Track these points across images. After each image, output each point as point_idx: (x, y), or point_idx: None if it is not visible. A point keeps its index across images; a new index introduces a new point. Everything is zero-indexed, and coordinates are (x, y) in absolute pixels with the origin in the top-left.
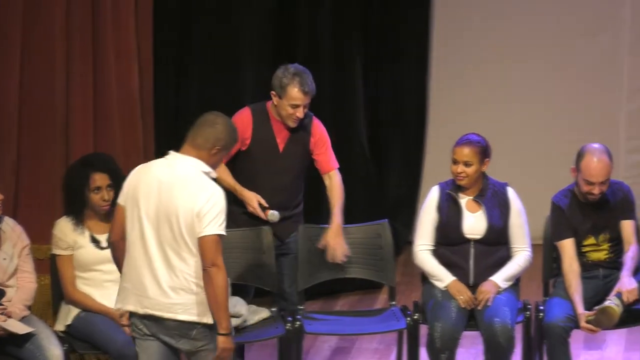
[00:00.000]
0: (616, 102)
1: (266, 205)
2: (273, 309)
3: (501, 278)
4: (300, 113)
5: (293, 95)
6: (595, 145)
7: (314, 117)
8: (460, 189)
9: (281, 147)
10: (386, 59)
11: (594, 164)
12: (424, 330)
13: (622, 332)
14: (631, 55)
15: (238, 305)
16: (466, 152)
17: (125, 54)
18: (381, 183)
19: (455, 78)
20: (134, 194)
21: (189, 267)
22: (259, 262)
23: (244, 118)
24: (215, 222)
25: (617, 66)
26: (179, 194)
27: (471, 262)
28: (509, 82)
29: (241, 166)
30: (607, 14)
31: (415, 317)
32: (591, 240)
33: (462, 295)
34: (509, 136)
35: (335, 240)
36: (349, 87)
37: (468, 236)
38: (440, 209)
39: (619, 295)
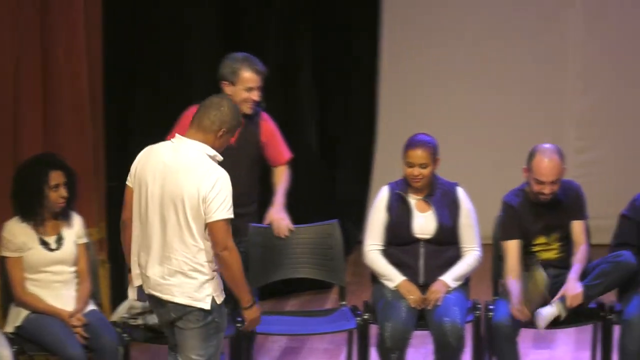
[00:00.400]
0: (565, 102)
1: None
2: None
3: (451, 278)
4: (255, 96)
5: (247, 78)
6: (547, 145)
7: (261, 112)
8: (409, 188)
9: (232, 140)
10: (336, 58)
11: (545, 163)
12: (374, 330)
13: (571, 331)
14: (580, 55)
15: None
16: (421, 154)
17: (75, 55)
18: (331, 183)
19: (405, 78)
20: (140, 175)
21: (190, 251)
22: None
23: (192, 115)
24: (223, 207)
25: (566, 66)
26: (185, 179)
27: (421, 261)
28: (458, 82)
29: None
30: (555, 14)
31: (366, 317)
32: (542, 239)
33: (412, 295)
34: (459, 136)
35: (279, 215)
36: (297, 86)
37: (418, 236)
38: (390, 209)
39: (562, 299)
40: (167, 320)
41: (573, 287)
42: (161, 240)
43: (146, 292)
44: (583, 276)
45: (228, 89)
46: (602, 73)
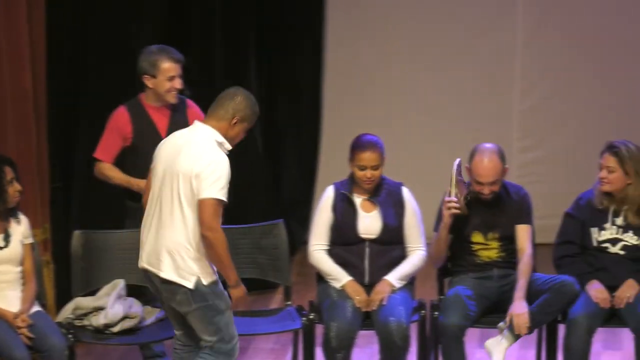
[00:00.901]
0: (508, 102)
1: None
2: None
3: (395, 277)
4: (178, 84)
5: (167, 68)
6: (487, 145)
7: (186, 99)
8: (355, 188)
9: (164, 134)
10: (281, 59)
11: (484, 164)
12: (319, 330)
13: None
14: (523, 55)
15: (134, 306)
16: (373, 156)
17: (17, 52)
18: (277, 182)
19: (349, 77)
20: (157, 158)
21: (177, 228)
22: None
23: (120, 116)
24: (215, 186)
25: (509, 66)
26: (184, 157)
27: (366, 261)
28: (402, 82)
29: (131, 163)
30: (499, 14)
31: (311, 316)
32: (479, 237)
33: (358, 295)
34: (403, 136)
35: None
36: (243, 85)
37: (363, 236)
38: (335, 209)
39: (510, 328)
40: (163, 302)
41: (519, 306)
42: (158, 216)
43: (140, 266)
44: (528, 293)
45: (150, 82)
46: (545, 73)
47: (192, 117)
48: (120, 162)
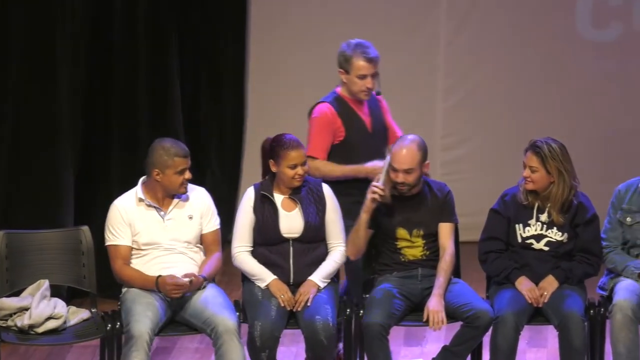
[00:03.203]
0: (432, 101)
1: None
2: (93, 310)
3: (319, 277)
4: (369, 83)
5: (359, 66)
6: (410, 136)
7: (375, 95)
8: (275, 188)
9: (370, 126)
10: (204, 61)
11: (400, 150)
12: (244, 328)
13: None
14: (446, 53)
15: (58, 306)
16: (300, 152)
17: None
18: (200, 182)
19: (271, 78)
20: None
21: None
22: (78, 263)
23: (327, 112)
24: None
25: (432, 64)
26: None
27: (291, 261)
28: (325, 81)
29: (341, 159)
30: (423, 13)
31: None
32: (403, 233)
33: (283, 294)
34: None
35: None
36: (166, 85)
37: (286, 235)
38: (256, 209)
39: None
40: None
41: (435, 303)
42: None
43: None
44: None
45: (343, 76)
46: (468, 72)
47: (385, 113)
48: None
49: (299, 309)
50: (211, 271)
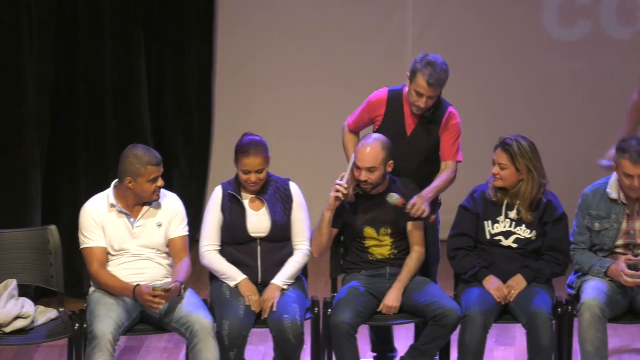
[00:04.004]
0: None
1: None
2: (61, 309)
3: (282, 279)
4: (422, 103)
5: (418, 83)
6: (374, 135)
7: (450, 107)
8: (242, 188)
9: (409, 131)
10: (171, 59)
11: (364, 149)
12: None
13: (410, 326)
14: (414, 50)
15: (26, 305)
16: (256, 160)
17: None
18: (168, 182)
19: (239, 76)
20: None
21: None
22: (46, 263)
23: (379, 95)
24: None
25: (399, 63)
26: None
27: (258, 260)
28: (293, 80)
29: None
30: (390, 11)
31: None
32: (371, 232)
33: (251, 296)
34: (293, 133)
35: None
36: (132, 84)
37: (253, 235)
38: (224, 208)
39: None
40: None
41: (392, 298)
42: None
43: None
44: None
45: (408, 82)
46: None
47: (443, 133)
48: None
49: (265, 316)
50: (185, 277)
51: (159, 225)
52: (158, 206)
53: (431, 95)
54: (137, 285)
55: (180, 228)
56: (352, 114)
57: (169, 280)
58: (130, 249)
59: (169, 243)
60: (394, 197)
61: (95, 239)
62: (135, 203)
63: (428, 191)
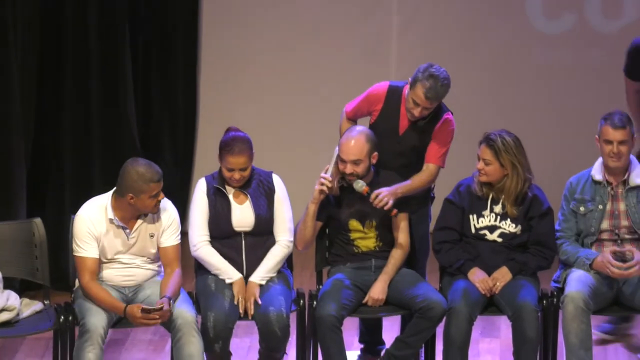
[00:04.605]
0: None
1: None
2: (46, 302)
3: (259, 277)
4: (417, 112)
5: (416, 93)
6: (358, 127)
7: (447, 113)
8: (226, 181)
9: (402, 130)
10: (156, 49)
11: (348, 141)
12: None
13: (396, 319)
14: (399, 40)
15: (11, 298)
16: (240, 160)
17: None
18: None
19: (224, 67)
20: None
21: None
22: (31, 256)
23: (380, 89)
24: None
25: (385, 52)
26: None
27: (243, 254)
28: (278, 71)
29: None
30: (375, 2)
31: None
32: (356, 225)
33: (242, 297)
34: (277, 125)
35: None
36: (118, 77)
37: (237, 229)
38: (209, 202)
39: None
40: None
41: (378, 290)
42: None
43: None
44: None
45: (408, 86)
46: (421, 59)
47: (435, 136)
48: None
49: (251, 314)
50: (174, 291)
51: (152, 235)
52: (153, 217)
53: (427, 107)
54: (127, 305)
55: (173, 237)
56: (352, 102)
57: (157, 279)
58: (122, 258)
59: (161, 251)
60: (359, 184)
61: (88, 250)
62: (132, 216)
63: (399, 187)
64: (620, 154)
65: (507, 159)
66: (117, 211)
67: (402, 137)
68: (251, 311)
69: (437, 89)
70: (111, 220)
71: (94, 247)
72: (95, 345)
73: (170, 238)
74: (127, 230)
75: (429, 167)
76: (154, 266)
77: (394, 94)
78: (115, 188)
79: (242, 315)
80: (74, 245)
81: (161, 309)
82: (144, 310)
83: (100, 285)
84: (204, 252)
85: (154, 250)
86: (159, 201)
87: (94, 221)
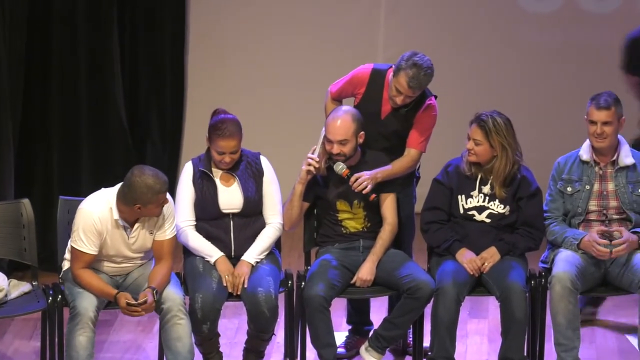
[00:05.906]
0: None
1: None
2: (34, 283)
3: (253, 255)
4: (399, 100)
5: (399, 81)
6: (344, 107)
7: (431, 98)
8: (213, 164)
9: (384, 115)
10: (143, 33)
11: (335, 121)
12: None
13: (384, 300)
14: (386, 25)
15: None
16: (231, 143)
17: None
18: (141, 156)
19: (212, 51)
20: None
21: None
22: (19, 236)
23: (363, 72)
24: (74, 236)
25: (373, 36)
26: None
27: (231, 235)
28: (265, 53)
29: None
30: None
31: (58, 298)
32: (344, 205)
33: (229, 276)
34: (265, 106)
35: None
36: (105, 58)
37: (225, 211)
38: (195, 185)
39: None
40: None
41: (366, 271)
42: None
43: None
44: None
45: (391, 74)
46: (408, 43)
47: (417, 121)
48: None
49: (238, 293)
50: (162, 281)
51: (151, 232)
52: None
53: (410, 96)
54: (118, 293)
55: (169, 231)
56: (336, 83)
57: (146, 263)
58: (119, 256)
59: (155, 244)
60: (339, 167)
61: (89, 246)
62: (136, 220)
63: (379, 171)
64: (605, 134)
65: (498, 140)
66: (121, 213)
67: (384, 122)
68: (238, 290)
69: (420, 78)
70: (116, 221)
71: (95, 244)
72: (87, 328)
73: (166, 232)
74: (129, 230)
75: (410, 152)
76: (147, 256)
77: (376, 77)
78: (119, 190)
79: (232, 292)
80: (75, 237)
81: (145, 302)
82: (128, 304)
83: (91, 272)
84: (185, 237)
85: (150, 245)
86: (163, 206)
87: (101, 219)
